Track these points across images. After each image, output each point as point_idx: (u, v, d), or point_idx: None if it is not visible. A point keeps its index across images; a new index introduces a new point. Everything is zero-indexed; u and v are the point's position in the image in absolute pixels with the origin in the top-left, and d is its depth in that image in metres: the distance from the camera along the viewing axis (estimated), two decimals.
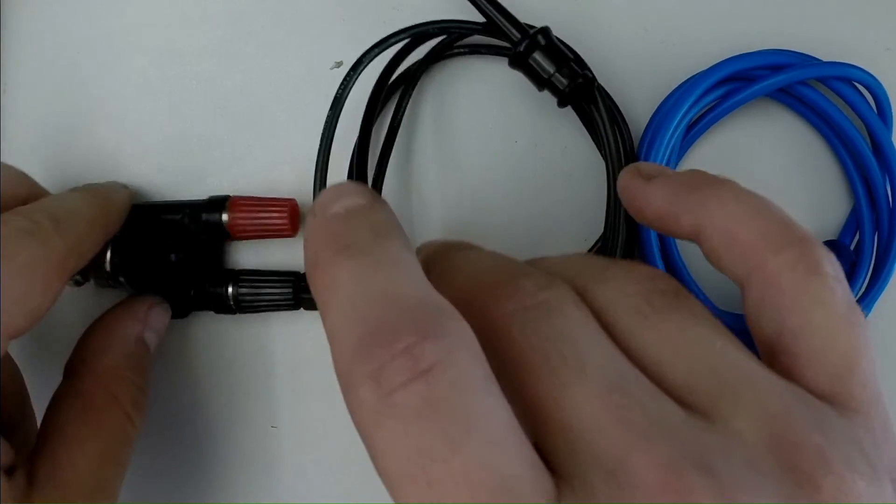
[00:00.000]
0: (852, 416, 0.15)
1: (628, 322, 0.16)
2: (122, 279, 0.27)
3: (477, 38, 0.28)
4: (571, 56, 0.26)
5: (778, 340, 0.17)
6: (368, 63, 0.26)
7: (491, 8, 0.26)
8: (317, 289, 0.15)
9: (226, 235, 0.27)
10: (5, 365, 0.23)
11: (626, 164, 0.27)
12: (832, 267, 0.17)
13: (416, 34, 0.27)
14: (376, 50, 0.26)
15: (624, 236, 0.25)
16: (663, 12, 0.28)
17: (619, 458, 0.13)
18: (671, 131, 0.26)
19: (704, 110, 0.27)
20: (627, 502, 0.13)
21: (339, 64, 0.29)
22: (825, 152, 0.28)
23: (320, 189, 0.26)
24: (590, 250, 0.27)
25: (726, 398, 0.14)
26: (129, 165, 0.29)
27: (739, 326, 0.26)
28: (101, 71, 0.30)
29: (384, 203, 0.17)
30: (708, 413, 0.14)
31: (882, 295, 0.26)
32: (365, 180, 0.26)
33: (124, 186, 0.27)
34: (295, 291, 0.27)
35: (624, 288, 0.17)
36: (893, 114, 0.27)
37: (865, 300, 0.26)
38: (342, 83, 0.26)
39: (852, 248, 0.27)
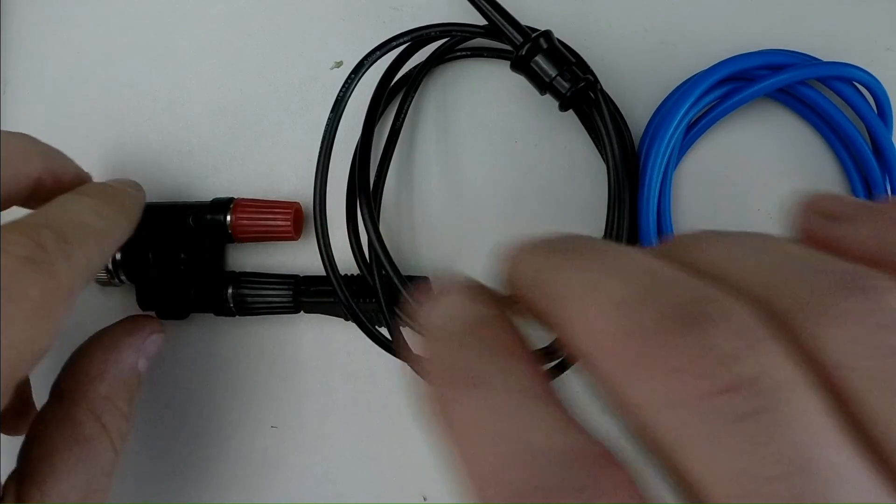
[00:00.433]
0: None
1: (880, 404, 0.10)
2: (123, 278, 0.27)
3: (479, 42, 0.28)
4: (573, 60, 0.26)
5: None
6: (370, 65, 0.26)
7: (493, 11, 0.26)
8: (447, 433, 0.12)
9: (228, 237, 0.27)
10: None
11: (627, 166, 0.27)
12: None
13: (418, 37, 0.27)
14: (378, 52, 0.26)
15: (625, 237, 0.25)
16: (663, 12, 0.28)
17: None
18: (671, 131, 0.26)
19: (704, 110, 0.27)
20: None
21: (339, 64, 0.29)
22: (825, 152, 0.28)
23: (320, 190, 0.26)
24: None
25: None
26: (128, 165, 0.29)
27: None
28: (101, 71, 0.30)
29: (503, 308, 0.14)
30: None
31: None
32: (367, 181, 0.26)
33: (138, 187, 0.26)
34: (295, 295, 0.27)
35: (863, 339, 0.10)
36: (893, 114, 0.27)
37: None
38: (344, 85, 0.26)
39: None
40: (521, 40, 0.25)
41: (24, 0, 0.30)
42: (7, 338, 0.18)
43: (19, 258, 0.19)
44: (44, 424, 0.22)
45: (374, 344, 0.25)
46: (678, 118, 0.26)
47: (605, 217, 0.26)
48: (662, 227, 0.27)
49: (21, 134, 0.23)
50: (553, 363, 0.22)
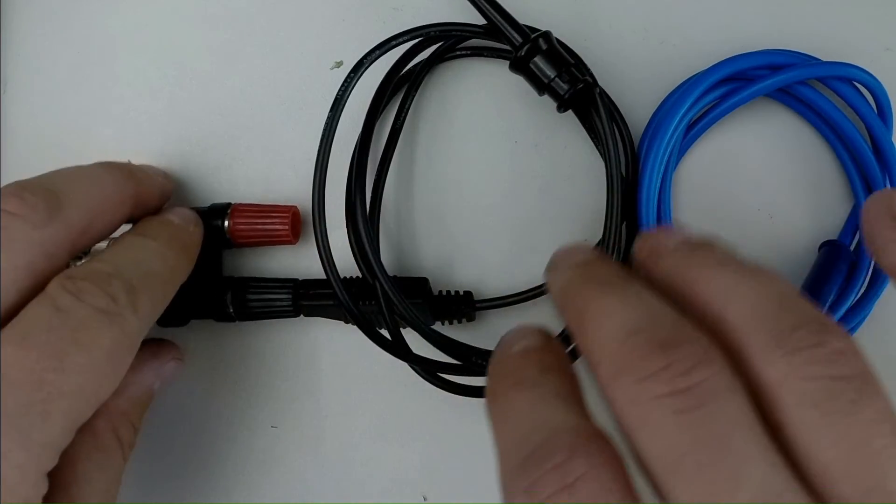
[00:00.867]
0: None
1: (801, 415, 0.14)
2: None
3: (479, 41, 0.28)
4: (573, 61, 0.26)
5: None
6: (370, 65, 0.26)
7: (492, 11, 0.26)
8: (492, 414, 0.18)
9: (227, 242, 0.27)
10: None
11: (627, 166, 0.27)
12: None
13: (418, 36, 0.27)
14: (378, 52, 0.26)
15: (623, 240, 0.25)
16: (663, 12, 0.28)
17: None
18: (671, 131, 0.26)
19: (704, 110, 0.27)
20: None
21: (339, 64, 0.29)
22: (825, 152, 0.28)
23: (319, 191, 0.25)
24: None
25: None
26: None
27: None
28: (101, 71, 0.30)
29: (555, 343, 0.19)
30: None
31: (882, 295, 0.26)
32: (363, 181, 0.26)
33: (197, 221, 0.26)
34: (295, 298, 0.27)
35: (800, 368, 0.15)
36: (893, 114, 0.27)
37: (865, 300, 0.26)
38: (343, 84, 0.26)
39: (852, 248, 0.27)
40: (521, 41, 0.25)
41: (23, 0, 0.30)
42: (76, 384, 0.19)
43: (94, 309, 0.20)
44: None
45: (374, 344, 0.25)
46: (678, 118, 0.26)
47: (604, 219, 0.26)
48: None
49: (115, 170, 0.24)
50: (570, 347, 0.24)
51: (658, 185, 0.26)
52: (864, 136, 0.27)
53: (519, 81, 0.26)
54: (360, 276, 0.26)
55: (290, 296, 0.27)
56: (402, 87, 0.28)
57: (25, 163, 0.29)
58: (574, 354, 0.22)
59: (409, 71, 0.28)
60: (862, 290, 0.27)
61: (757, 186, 0.28)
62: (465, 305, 0.27)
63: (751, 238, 0.28)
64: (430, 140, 0.29)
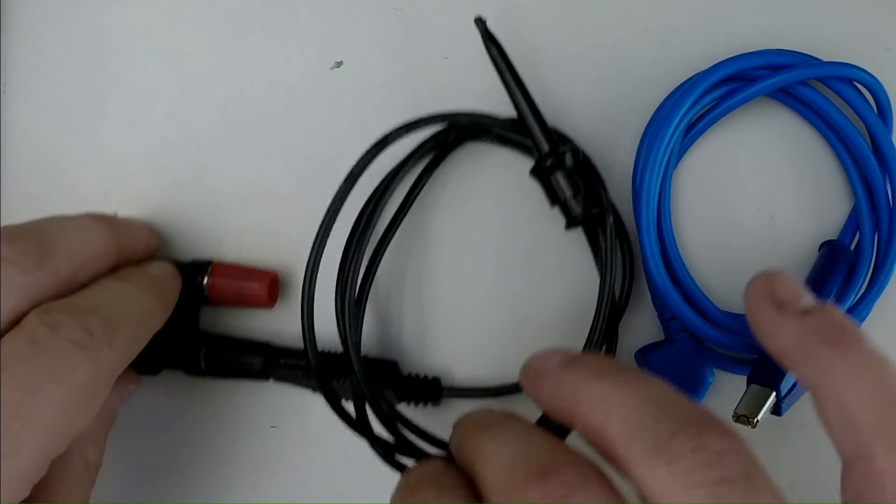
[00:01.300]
0: None
1: None
2: None
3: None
4: (593, 185, 0.25)
5: None
6: (392, 143, 0.25)
7: (530, 114, 0.25)
8: (472, 452, 0.20)
9: (205, 299, 0.27)
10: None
11: (623, 286, 0.27)
12: None
13: (444, 121, 0.26)
14: (403, 131, 0.25)
15: (603, 347, 0.25)
16: (663, 12, 0.28)
17: None
18: (671, 131, 0.26)
19: (704, 110, 0.27)
20: None
21: (339, 64, 0.29)
22: (825, 152, 0.28)
23: (314, 262, 0.25)
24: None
25: None
26: (129, 165, 0.29)
27: (739, 327, 0.26)
28: (101, 71, 0.30)
29: (451, 469, 0.20)
30: None
31: (882, 295, 0.26)
32: (358, 265, 0.26)
33: (175, 274, 0.26)
34: (265, 363, 0.27)
35: (685, 475, 0.15)
36: (893, 114, 0.27)
37: (865, 300, 0.26)
38: (361, 159, 0.25)
39: (852, 248, 0.27)
40: (547, 150, 0.25)
41: (23, 0, 0.30)
42: (49, 417, 0.19)
43: (69, 342, 0.20)
44: None
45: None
46: (678, 118, 0.26)
47: (587, 327, 0.25)
48: (662, 227, 0.27)
49: (102, 222, 0.25)
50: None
51: (658, 185, 0.26)
52: (864, 136, 0.27)
53: (531, 182, 0.26)
54: (340, 353, 0.26)
55: (261, 359, 0.27)
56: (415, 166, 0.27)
57: (25, 163, 0.29)
58: None
59: (431, 147, 0.27)
60: (862, 291, 0.27)
61: (757, 187, 0.28)
62: (432, 391, 0.27)
63: (751, 238, 0.28)
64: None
